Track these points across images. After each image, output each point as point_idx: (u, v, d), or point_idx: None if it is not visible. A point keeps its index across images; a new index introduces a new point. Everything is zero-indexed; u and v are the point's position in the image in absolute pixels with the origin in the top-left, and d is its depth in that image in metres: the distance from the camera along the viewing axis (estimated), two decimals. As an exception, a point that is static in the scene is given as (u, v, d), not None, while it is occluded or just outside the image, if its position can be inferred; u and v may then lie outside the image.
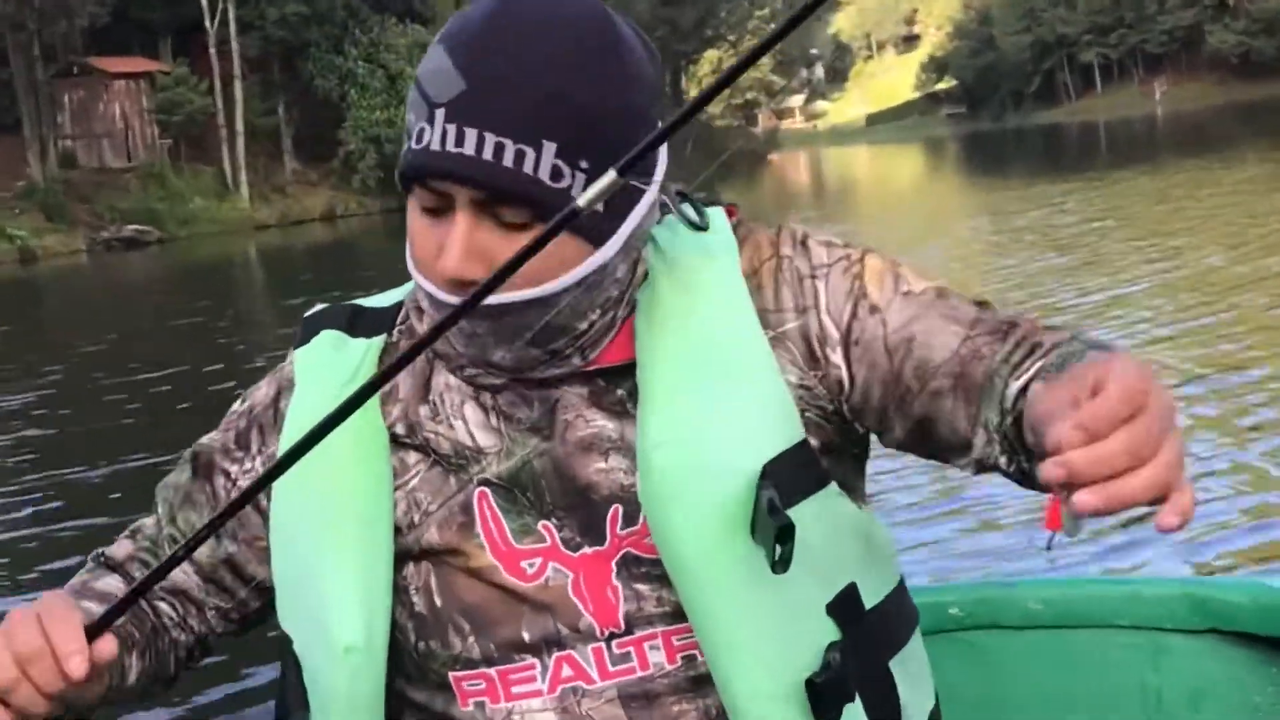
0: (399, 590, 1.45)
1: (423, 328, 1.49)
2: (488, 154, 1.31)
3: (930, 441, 1.44)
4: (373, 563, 1.43)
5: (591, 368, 1.44)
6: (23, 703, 1.25)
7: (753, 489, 1.35)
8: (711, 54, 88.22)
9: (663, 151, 1.42)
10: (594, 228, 1.36)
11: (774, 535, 1.30)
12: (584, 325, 1.42)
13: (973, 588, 2.22)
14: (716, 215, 1.52)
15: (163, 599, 1.57)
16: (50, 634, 1.23)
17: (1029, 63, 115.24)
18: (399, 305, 1.56)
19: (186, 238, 48.18)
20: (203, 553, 1.54)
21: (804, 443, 1.41)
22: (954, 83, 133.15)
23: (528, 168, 1.31)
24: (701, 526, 1.36)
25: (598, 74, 1.35)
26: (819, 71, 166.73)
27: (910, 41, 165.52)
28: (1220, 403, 8.25)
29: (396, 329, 1.54)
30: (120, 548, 1.61)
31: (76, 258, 44.01)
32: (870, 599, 1.45)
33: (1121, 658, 2.13)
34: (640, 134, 1.30)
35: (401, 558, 1.44)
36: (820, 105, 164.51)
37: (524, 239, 1.28)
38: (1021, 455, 1.35)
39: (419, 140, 1.34)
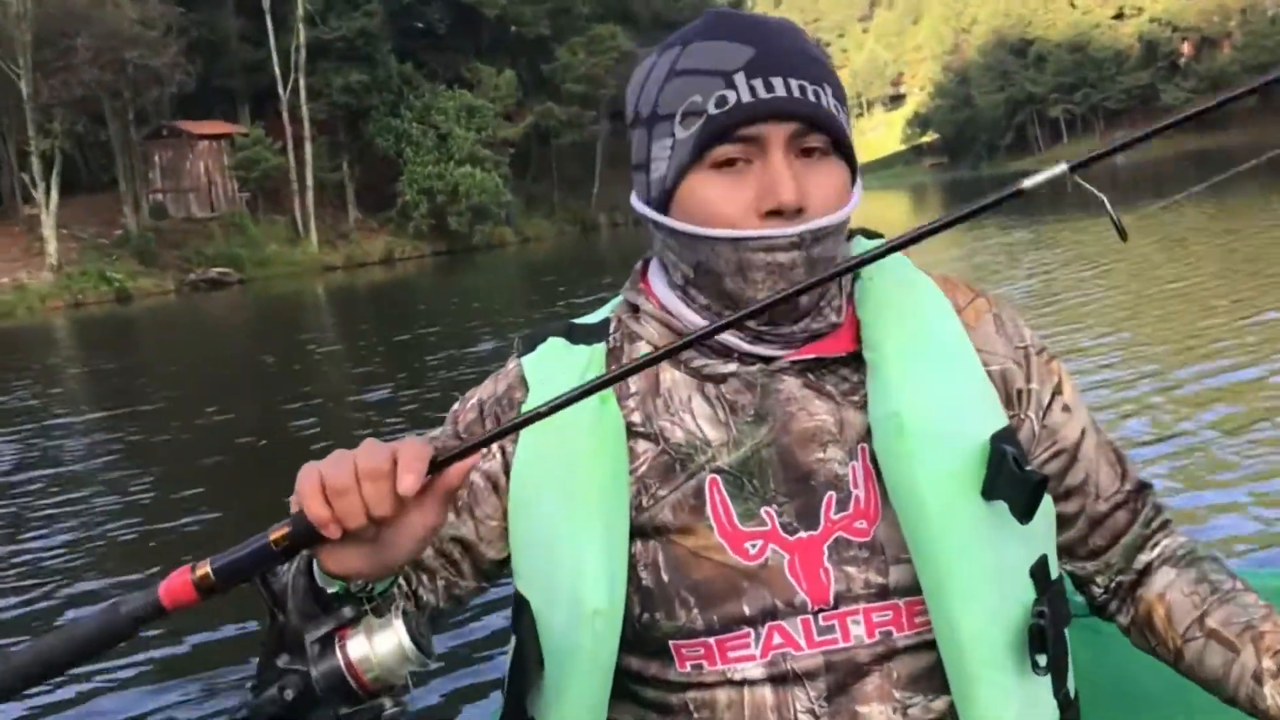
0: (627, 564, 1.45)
1: (643, 328, 1.52)
2: (795, 93, 1.38)
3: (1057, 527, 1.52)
4: (614, 536, 1.41)
5: (811, 354, 1.46)
6: (344, 510, 1.13)
7: (984, 453, 1.37)
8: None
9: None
10: (855, 164, 1.47)
11: (1030, 488, 1.34)
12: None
13: None
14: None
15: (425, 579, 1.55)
16: (399, 452, 1.14)
17: (1003, 118, 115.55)
18: (607, 320, 1.56)
19: (263, 278, 48.28)
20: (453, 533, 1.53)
21: (1011, 423, 1.44)
22: (936, 136, 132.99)
23: (824, 102, 1.39)
24: (942, 482, 1.36)
25: (820, 50, 1.47)
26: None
27: (897, 100, 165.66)
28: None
29: (611, 337, 1.54)
30: None
31: (167, 298, 44.24)
32: (1054, 571, 1.46)
33: None
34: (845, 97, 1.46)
35: (631, 536, 1.43)
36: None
37: (824, 166, 1.41)
38: (1113, 599, 1.57)
39: (720, 105, 1.38)
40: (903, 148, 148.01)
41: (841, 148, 1.42)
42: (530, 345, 1.56)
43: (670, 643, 1.43)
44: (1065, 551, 1.54)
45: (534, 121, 63.99)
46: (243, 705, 1.18)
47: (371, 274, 48.72)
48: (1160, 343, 11.25)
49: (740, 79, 1.38)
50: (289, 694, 1.17)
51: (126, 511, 9.60)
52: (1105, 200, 1.12)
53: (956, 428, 1.38)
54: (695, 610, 1.42)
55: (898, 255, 1.38)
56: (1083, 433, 1.52)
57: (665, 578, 1.43)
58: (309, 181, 54.83)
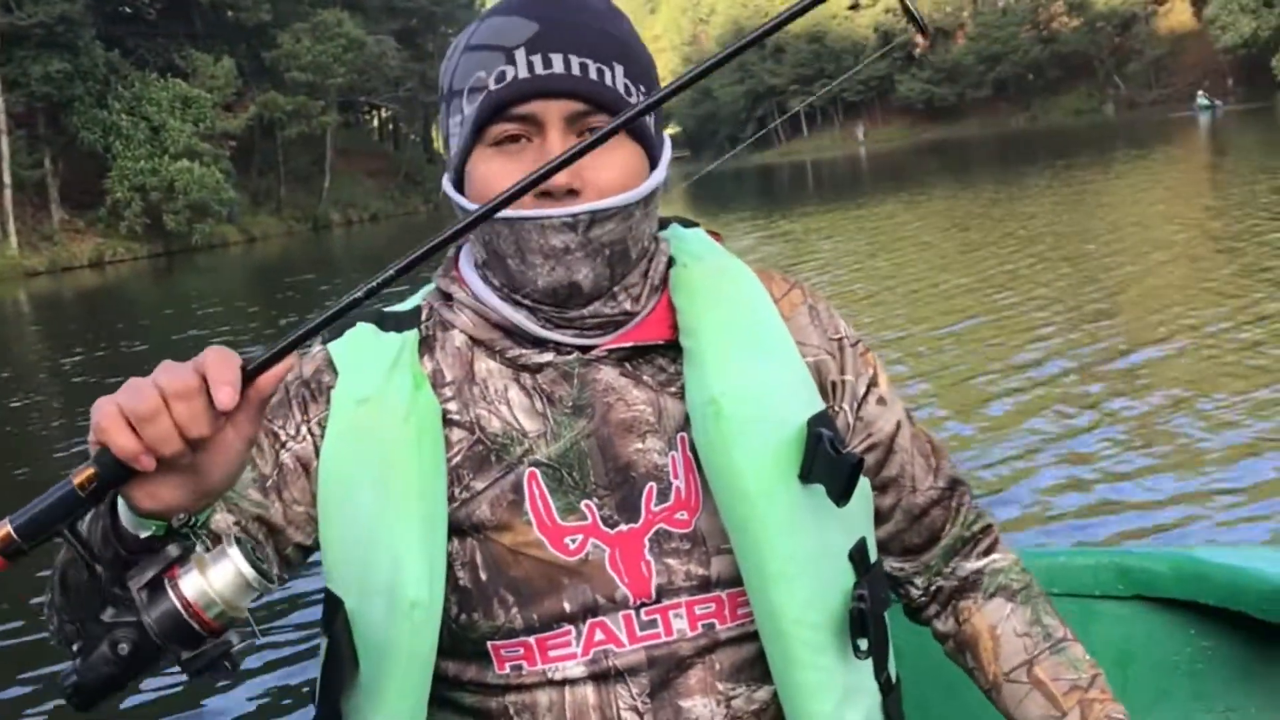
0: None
1: (456, 317, 1.54)
2: (575, 70, 1.42)
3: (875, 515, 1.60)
4: (432, 528, 1.43)
5: (628, 342, 1.50)
6: (155, 437, 1.08)
7: (802, 436, 1.43)
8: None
9: (667, 138, 1.54)
10: (651, 148, 1.49)
11: (846, 470, 1.40)
12: (634, 253, 1.49)
13: None
14: (700, 233, 1.64)
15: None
16: (205, 366, 1.10)
17: (743, 110, 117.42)
18: (419, 308, 1.59)
19: (-47, 287, 45.32)
20: (244, 502, 1.48)
21: (827, 410, 1.50)
22: (678, 129, 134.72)
23: (608, 81, 1.43)
24: (761, 467, 1.42)
25: (629, 29, 1.50)
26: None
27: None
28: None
29: (423, 325, 1.56)
30: None
31: None
32: (873, 555, 1.53)
33: None
34: (656, 89, 1.46)
35: (449, 532, 1.46)
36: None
37: (609, 152, 1.41)
38: (931, 603, 1.68)
39: (499, 80, 1.43)
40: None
41: (635, 129, 1.46)
42: (336, 331, 1.56)
43: (489, 644, 1.46)
44: (883, 548, 1.61)
45: (257, 112, 62.66)
46: (71, 671, 1.14)
47: (80, 278, 46.68)
48: (950, 328, 11.62)
49: (520, 54, 1.43)
50: (123, 648, 1.13)
51: None
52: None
53: (774, 412, 1.45)
54: (515, 609, 1.45)
55: (713, 244, 1.61)
56: (898, 425, 1.60)
57: (483, 576, 1.45)
58: (6, 179, 52.05)
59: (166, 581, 1.13)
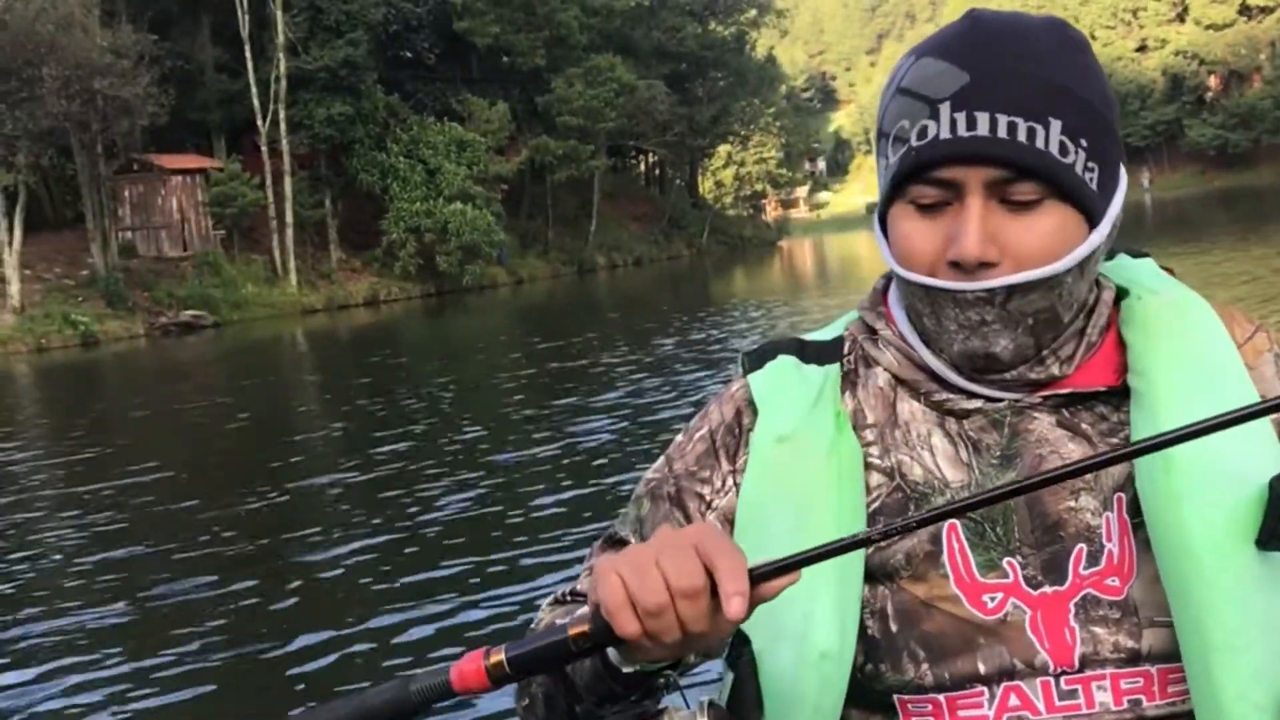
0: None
1: (880, 354, 1.50)
2: (1002, 133, 1.33)
3: None
4: (847, 576, 1.39)
5: (1065, 389, 1.42)
6: (657, 629, 1.16)
7: (1263, 499, 1.31)
8: (724, 148, 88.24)
9: (1122, 170, 1.43)
10: (1092, 206, 1.37)
11: None
12: (1067, 318, 1.40)
13: None
14: (1150, 264, 1.53)
15: None
16: (716, 568, 1.15)
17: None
18: (841, 339, 1.55)
19: (239, 321, 47.88)
20: None
21: None
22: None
23: (1039, 143, 1.33)
24: (1213, 526, 1.31)
25: (1082, 65, 1.38)
26: (821, 165, 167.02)
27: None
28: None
29: (845, 359, 1.53)
30: (580, 585, 1.55)
31: (136, 342, 43.62)
32: None
33: None
34: (1115, 124, 1.39)
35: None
36: (823, 196, 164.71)
37: (1033, 219, 1.35)
38: None
39: (921, 137, 1.36)
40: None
41: (1066, 192, 1.35)
42: (758, 362, 1.55)
43: (895, 697, 1.41)
44: None
45: (528, 156, 64.03)
46: None
47: (354, 316, 48.74)
48: None
49: (945, 110, 1.35)
50: None
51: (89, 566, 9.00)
52: None
53: (1232, 467, 1.33)
54: (925, 664, 1.39)
55: (1168, 280, 1.49)
56: None
57: (893, 627, 1.41)
58: (288, 219, 54.45)
59: None
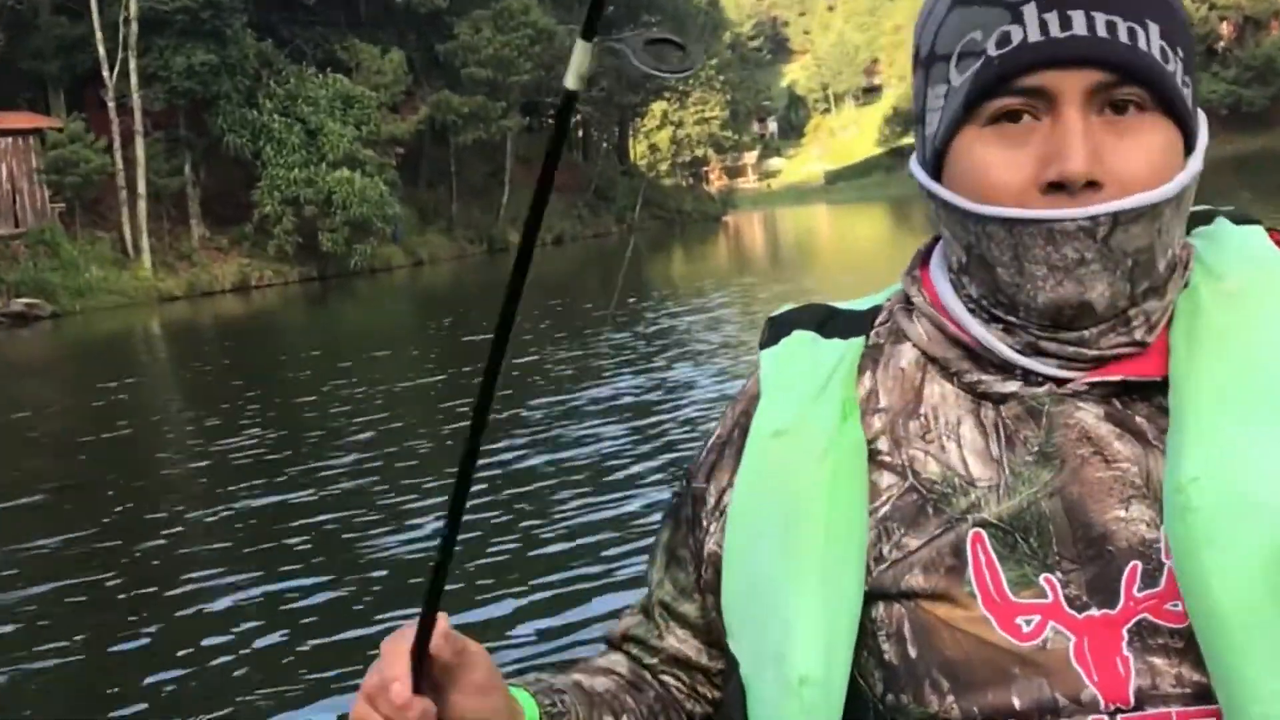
0: (866, 632, 1.42)
1: (911, 326, 1.51)
2: (1101, 31, 1.34)
3: None
4: (839, 591, 1.42)
5: (1117, 376, 1.41)
6: None
7: None
8: (659, 106, 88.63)
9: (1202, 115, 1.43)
10: (1191, 126, 1.40)
11: None
12: (1162, 266, 1.39)
13: None
14: (1256, 234, 1.51)
15: (665, 672, 1.64)
16: (382, 666, 1.36)
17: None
18: (876, 309, 1.57)
19: (82, 312, 47.38)
20: (691, 610, 1.61)
21: None
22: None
23: (1142, 44, 1.34)
24: (1242, 576, 1.28)
25: None
26: (773, 126, 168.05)
27: (871, 93, 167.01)
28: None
29: (874, 330, 1.55)
30: (623, 622, 1.68)
31: (-43, 336, 42.93)
32: None
33: None
34: (1192, 43, 1.42)
35: (871, 596, 1.42)
36: (775, 162, 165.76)
37: (1138, 135, 1.35)
38: None
39: (1002, 44, 1.36)
40: (879, 151, 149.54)
41: (1170, 104, 1.37)
42: (775, 335, 1.59)
43: None
44: None
45: (428, 115, 64.19)
46: None
47: (222, 304, 48.43)
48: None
49: (1030, 11, 1.36)
50: None
51: None
52: None
53: (1269, 504, 1.29)
54: (950, 696, 1.39)
55: (1258, 250, 1.47)
56: None
57: (912, 652, 1.41)
58: (141, 189, 54.08)
59: None
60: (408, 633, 1.37)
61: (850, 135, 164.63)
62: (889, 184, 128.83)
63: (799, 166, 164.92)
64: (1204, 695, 1.33)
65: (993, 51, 1.37)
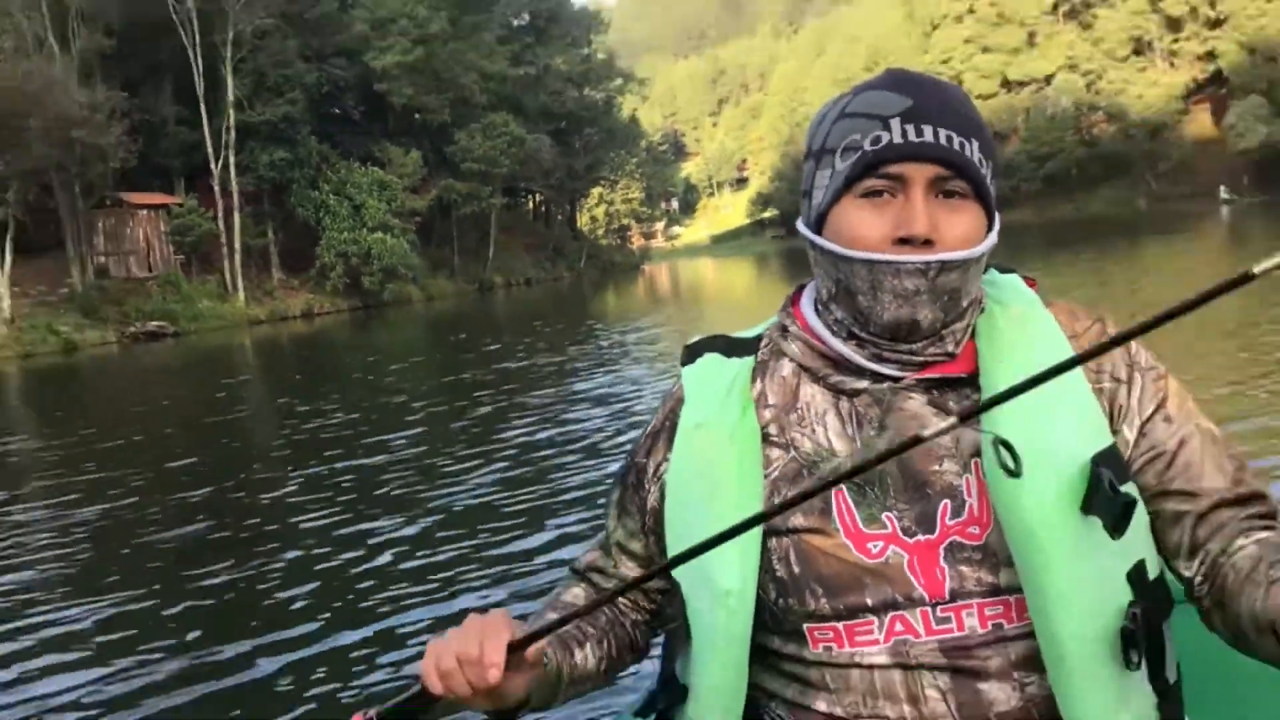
0: (765, 558, 1.43)
1: (789, 346, 1.51)
2: (943, 140, 1.37)
3: (1154, 538, 1.42)
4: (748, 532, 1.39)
5: (936, 374, 1.43)
6: (455, 687, 1.31)
7: (1085, 473, 1.32)
8: (597, 190, 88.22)
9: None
10: (993, 212, 1.43)
11: (1119, 509, 1.30)
12: (965, 303, 1.42)
13: None
14: (1016, 279, 1.53)
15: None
16: (484, 645, 1.30)
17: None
18: (760, 336, 1.56)
19: (196, 331, 46.63)
20: (637, 547, 1.59)
21: (1114, 445, 1.38)
22: (775, 212, 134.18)
23: (968, 153, 1.37)
24: (1043, 502, 1.31)
25: (977, 111, 1.44)
26: (675, 204, 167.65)
27: (742, 183, 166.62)
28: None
29: (761, 350, 1.54)
30: (585, 557, 1.65)
31: (110, 349, 42.27)
32: (1152, 572, 1.38)
33: None
34: (999, 157, 1.46)
35: (767, 533, 1.43)
36: (676, 229, 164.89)
37: (960, 213, 1.39)
38: (1207, 591, 1.38)
39: (875, 143, 1.38)
40: (747, 221, 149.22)
41: (982, 196, 1.41)
42: (692, 356, 1.57)
43: (804, 625, 1.43)
44: (1175, 553, 1.42)
45: (437, 195, 63.48)
46: None
47: (293, 326, 47.81)
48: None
49: (895, 123, 1.38)
50: None
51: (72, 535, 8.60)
52: None
53: (1061, 451, 1.33)
54: (824, 599, 1.41)
55: (1024, 290, 1.49)
56: (1182, 441, 1.42)
57: (796, 570, 1.42)
58: (237, 245, 53.34)
59: None
60: (503, 623, 1.34)
61: (727, 211, 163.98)
62: (753, 244, 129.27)
63: (693, 232, 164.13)
64: (996, 590, 1.36)
65: (868, 147, 1.38)
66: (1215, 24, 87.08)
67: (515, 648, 1.31)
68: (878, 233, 1.38)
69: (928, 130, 1.37)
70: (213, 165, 53.92)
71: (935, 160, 1.37)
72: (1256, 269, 0.91)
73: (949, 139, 1.37)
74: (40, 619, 6.93)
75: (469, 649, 1.30)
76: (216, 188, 53.68)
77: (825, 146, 1.44)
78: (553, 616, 1.44)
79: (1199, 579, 1.39)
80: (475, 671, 1.29)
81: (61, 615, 6.96)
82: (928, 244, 1.37)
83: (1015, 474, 1.22)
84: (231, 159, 54.15)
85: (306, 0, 58.14)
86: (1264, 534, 1.36)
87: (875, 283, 1.39)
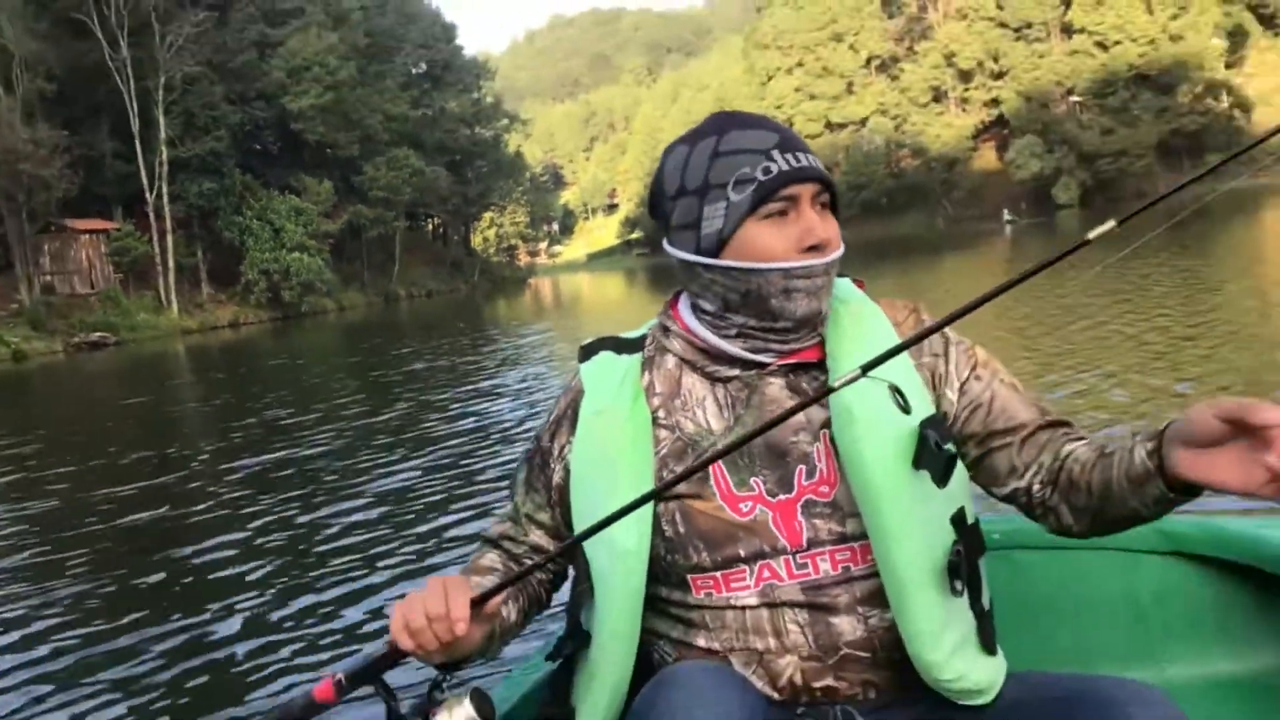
0: (655, 521, 1.44)
1: (671, 343, 1.52)
2: (813, 163, 1.42)
3: (988, 469, 1.47)
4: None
5: (794, 360, 1.46)
6: (424, 642, 1.28)
7: (915, 435, 1.36)
8: (488, 214, 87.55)
9: None
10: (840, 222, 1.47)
11: (943, 463, 1.33)
12: (829, 298, 1.48)
13: (1007, 519, 2.02)
14: (848, 281, 1.55)
15: (528, 557, 1.57)
16: (450, 602, 1.28)
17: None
18: (644, 335, 1.56)
19: (134, 340, 44.84)
20: (544, 518, 1.56)
21: (937, 413, 1.43)
22: (641, 234, 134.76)
23: (823, 170, 1.43)
24: (882, 458, 1.36)
25: None
26: (555, 226, 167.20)
27: (612, 208, 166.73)
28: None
29: (647, 347, 1.54)
30: (496, 528, 1.61)
31: (56, 357, 40.41)
32: (970, 518, 1.43)
33: (1106, 570, 2.05)
34: None
35: (657, 500, 1.43)
36: (558, 248, 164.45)
37: (828, 219, 1.44)
38: (1051, 492, 1.42)
39: (766, 173, 1.40)
40: (617, 242, 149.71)
41: (836, 208, 1.46)
42: (587, 355, 1.56)
43: (688, 576, 1.45)
44: (1009, 474, 1.46)
45: (348, 219, 62.20)
46: None
47: (221, 335, 46.30)
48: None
49: (777, 154, 1.41)
50: None
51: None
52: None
53: (894, 417, 1.36)
54: (704, 553, 1.43)
55: (855, 290, 1.53)
56: (994, 392, 1.47)
57: (681, 530, 1.44)
58: (170, 264, 51.67)
59: (429, 716, 1.31)
60: (463, 582, 1.31)
61: (600, 233, 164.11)
62: (623, 261, 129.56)
63: (572, 251, 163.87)
64: (844, 539, 1.40)
65: (761, 177, 1.40)
66: (999, 75, 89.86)
67: (475, 604, 1.30)
68: (786, 245, 1.40)
69: (802, 157, 1.41)
70: (147, 194, 52.06)
71: (815, 179, 1.41)
72: (1091, 235, 0.94)
73: (814, 160, 1.42)
74: None
75: (436, 606, 1.27)
76: (151, 214, 51.86)
77: (709, 183, 1.43)
78: (492, 580, 1.46)
79: (1035, 486, 1.44)
80: (443, 626, 1.27)
81: (13, 605, 6.64)
82: (824, 248, 1.41)
83: (906, 410, 1.32)
84: (164, 189, 52.35)
85: (230, 50, 56.85)
86: (1083, 441, 1.43)
87: (789, 286, 1.41)
